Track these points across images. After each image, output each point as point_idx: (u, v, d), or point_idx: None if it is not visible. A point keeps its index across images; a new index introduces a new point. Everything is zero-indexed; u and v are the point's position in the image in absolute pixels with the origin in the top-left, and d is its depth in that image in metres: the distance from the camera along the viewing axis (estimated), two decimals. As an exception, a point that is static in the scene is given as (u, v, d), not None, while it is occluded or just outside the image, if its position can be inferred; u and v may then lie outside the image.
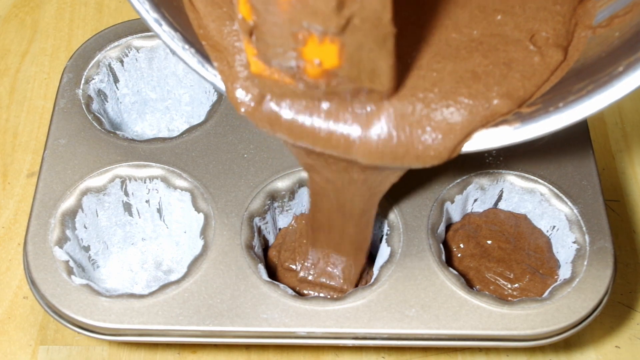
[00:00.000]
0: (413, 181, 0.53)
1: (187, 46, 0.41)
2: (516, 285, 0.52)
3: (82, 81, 0.57)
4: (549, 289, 0.50)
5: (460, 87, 0.39)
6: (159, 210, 0.55)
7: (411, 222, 0.51)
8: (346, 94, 0.38)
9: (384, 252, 0.52)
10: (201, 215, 0.52)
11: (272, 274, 0.53)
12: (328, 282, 0.51)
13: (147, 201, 0.55)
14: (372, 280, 0.50)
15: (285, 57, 0.36)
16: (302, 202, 0.55)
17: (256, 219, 0.52)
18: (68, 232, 0.51)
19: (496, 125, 0.39)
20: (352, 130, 0.39)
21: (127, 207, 0.55)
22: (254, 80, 0.39)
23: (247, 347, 0.54)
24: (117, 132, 0.55)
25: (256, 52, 0.37)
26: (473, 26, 0.42)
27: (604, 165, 0.64)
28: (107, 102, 0.59)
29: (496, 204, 0.55)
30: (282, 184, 0.53)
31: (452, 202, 0.53)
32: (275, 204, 0.53)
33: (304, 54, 0.36)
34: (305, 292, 0.51)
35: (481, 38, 0.42)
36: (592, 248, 0.50)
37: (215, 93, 0.58)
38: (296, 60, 0.36)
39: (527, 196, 0.54)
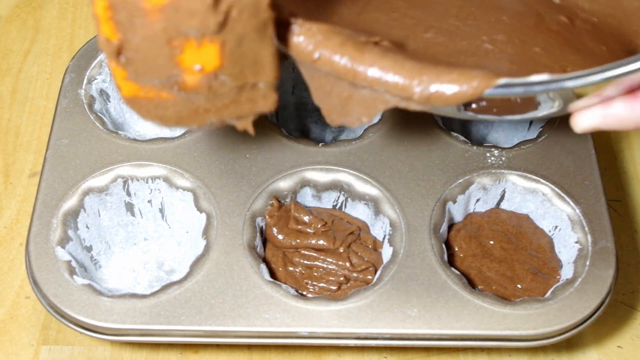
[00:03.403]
0: (415, 181, 0.53)
1: None
2: (518, 285, 0.52)
3: (85, 81, 0.57)
4: (551, 289, 0.50)
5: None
6: (161, 210, 0.55)
7: (413, 222, 0.51)
8: (230, 93, 0.36)
9: (386, 252, 0.52)
10: (203, 215, 0.52)
11: (274, 274, 0.53)
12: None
13: (149, 201, 0.55)
14: (375, 280, 0.50)
15: (161, 71, 0.34)
16: (305, 202, 0.55)
17: (258, 219, 0.52)
18: (70, 232, 0.51)
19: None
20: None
21: (129, 207, 0.55)
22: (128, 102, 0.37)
23: (249, 347, 0.54)
24: (119, 132, 0.55)
25: (126, 74, 0.35)
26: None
27: (606, 165, 0.64)
28: (110, 102, 0.59)
29: (498, 204, 0.55)
30: (284, 184, 0.53)
31: (455, 202, 0.53)
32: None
33: (182, 62, 0.34)
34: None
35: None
36: (594, 248, 0.50)
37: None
38: (173, 71, 0.34)
39: (530, 196, 0.54)
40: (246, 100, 0.37)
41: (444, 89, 0.35)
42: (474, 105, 0.38)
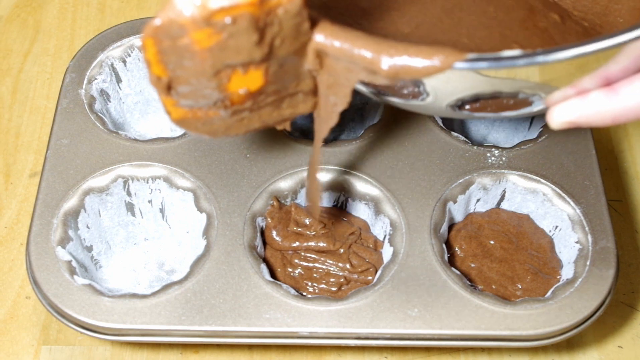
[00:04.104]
0: (416, 181, 0.53)
1: None
2: (518, 285, 0.52)
3: (85, 81, 0.57)
4: (552, 289, 0.50)
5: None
6: (162, 210, 0.55)
7: (414, 222, 0.51)
8: (273, 103, 0.38)
9: (386, 252, 0.52)
10: (204, 215, 0.52)
11: (274, 274, 0.53)
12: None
13: (149, 201, 0.55)
14: (375, 280, 0.50)
15: (209, 98, 0.36)
16: (305, 201, 0.55)
17: (259, 219, 0.52)
18: (70, 232, 0.51)
19: None
20: None
21: (130, 207, 0.55)
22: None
23: (250, 347, 0.54)
24: (120, 132, 0.55)
25: (175, 102, 0.36)
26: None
27: (607, 165, 0.64)
28: (110, 102, 0.59)
29: (499, 203, 0.55)
30: (284, 184, 0.53)
31: (455, 202, 0.53)
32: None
33: (229, 88, 0.35)
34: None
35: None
36: (595, 248, 0.50)
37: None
38: (220, 96, 0.36)
39: (530, 196, 0.54)
40: (287, 106, 0.39)
41: (413, 62, 0.35)
42: (467, 106, 0.38)
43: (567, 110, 0.36)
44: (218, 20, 0.31)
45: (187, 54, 0.33)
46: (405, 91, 0.37)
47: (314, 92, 0.39)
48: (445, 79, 0.35)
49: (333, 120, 0.39)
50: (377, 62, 0.35)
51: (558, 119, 0.37)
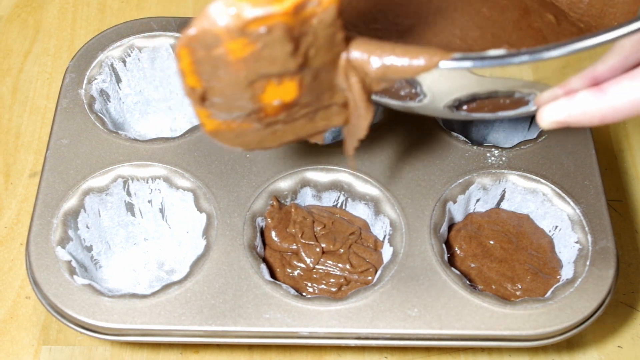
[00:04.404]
0: (415, 181, 0.53)
1: None
2: (518, 285, 0.52)
3: (85, 81, 0.57)
4: (552, 289, 0.50)
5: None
6: (162, 210, 0.55)
7: (414, 222, 0.51)
8: (306, 116, 0.38)
9: (386, 252, 0.52)
10: (203, 215, 0.52)
11: (273, 274, 0.53)
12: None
13: (149, 201, 0.55)
14: (375, 280, 0.50)
15: (243, 109, 0.36)
16: (304, 201, 0.55)
17: (258, 219, 0.52)
18: (70, 232, 0.51)
19: None
20: None
21: (130, 207, 0.55)
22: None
23: (250, 347, 0.54)
24: (120, 132, 0.55)
25: (210, 113, 0.36)
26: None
27: (607, 165, 0.64)
28: (110, 102, 0.59)
29: (499, 203, 0.55)
30: (284, 184, 0.53)
31: (455, 202, 0.53)
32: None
33: (263, 99, 0.35)
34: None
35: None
36: (595, 248, 0.50)
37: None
38: (254, 107, 0.35)
39: (530, 196, 0.54)
40: (321, 118, 0.39)
41: (399, 62, 0.35)
42: (464, 107, 0.38)
43: (555, 110, 0.37)
44: (253, 30, 0.31)
45: (221, 64, 0.33)
46: (402, 93, 0.38)
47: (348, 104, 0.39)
48: (439, 79, 0.35)
49: (360, 133, 0.39)
50: (365, 62, 0.35)
51: (547, 118, 0.37)
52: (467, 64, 0.34)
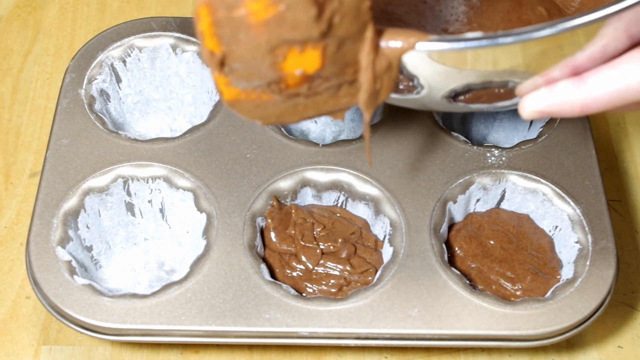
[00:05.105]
0: (415, 181, 0.53)
1: None
2: (518, 285, 0.52)
3: (85, 81, 0.57)
4: (552, 289, 0.50)
5: None
6: (162, 210, 0.55)
7: (414, 222, 0.51)
8: (329, 90, 0.37)
9: (386, 252, 0.52)
10: (204, 215, 0.52)
11: (273, 274, 0.53)
12: None
13: (149, 201, 0.55)
14: (375, 280, 0.50)
15: (263, 77, 0.35)
16: (305, 201, 0.55)
17: (258, 219, 0.52)
18: (70, 232, 0.51)
19: None
20: None
21: (130, 207, 0.55)
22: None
23: (250, 347, 0.54)
24: (120, 132, 0.55)
25: (229, 81, 0.35)
26: None
27: (607, 165, 0.64)
28: (110, 102, 0.59)
29: (499, 203, 0.55)
30: (284, 184, 0.53)
31: (455, 202, 0.53)
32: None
33: (284, 68, 0.34)
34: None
35: None
36: (595, 248, 0.50)
37: (218, 93, 0.58)
38: (275, 76, 0.35)
39: (530, 196, 0.54)
40: (345, 94, 0.38)
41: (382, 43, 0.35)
42: (461, 97, 0.38)
43: (536, 100, 0.37)
44: None
45: (242, 27, 0.32)
46: (401, 86, 0.38)
47: None
48: (430, 69, 0.36)
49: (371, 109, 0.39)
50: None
51: (528, 108, 0.37)
52: (444, 45, 0.34)
